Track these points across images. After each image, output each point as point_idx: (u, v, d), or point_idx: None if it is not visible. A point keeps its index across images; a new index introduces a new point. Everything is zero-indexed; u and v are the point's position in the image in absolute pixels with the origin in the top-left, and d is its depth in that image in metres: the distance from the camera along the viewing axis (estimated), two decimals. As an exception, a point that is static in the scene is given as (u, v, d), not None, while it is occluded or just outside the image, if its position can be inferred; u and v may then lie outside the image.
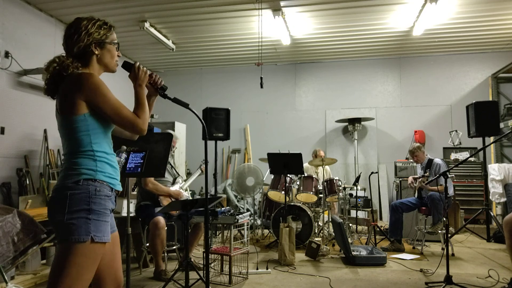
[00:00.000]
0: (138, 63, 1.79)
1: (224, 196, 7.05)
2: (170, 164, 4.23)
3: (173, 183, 4.12)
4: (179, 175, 4.27)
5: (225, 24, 6.29)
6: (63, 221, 1.54)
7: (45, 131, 5.56)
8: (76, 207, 1.55)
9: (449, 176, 3.89)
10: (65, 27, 1.73)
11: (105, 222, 1.62)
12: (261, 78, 6.04)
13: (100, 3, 5.39)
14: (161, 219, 3.61)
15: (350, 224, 5.39)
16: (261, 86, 6.07)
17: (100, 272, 1.68)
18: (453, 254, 4.52)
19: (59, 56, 1.69)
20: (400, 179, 5.81)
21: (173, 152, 4.32)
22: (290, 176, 5.28)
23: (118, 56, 1.81)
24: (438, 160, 4.90)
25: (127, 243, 2.95)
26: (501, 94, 7.48)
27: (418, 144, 5.13)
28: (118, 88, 6.90)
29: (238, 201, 7.14)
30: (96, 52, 1.71)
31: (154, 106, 1.99)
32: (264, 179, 5.97)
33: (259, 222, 5.84)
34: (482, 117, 5.38)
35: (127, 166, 2.80)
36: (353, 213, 5.92)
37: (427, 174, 4.80)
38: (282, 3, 5.48)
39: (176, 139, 4.20)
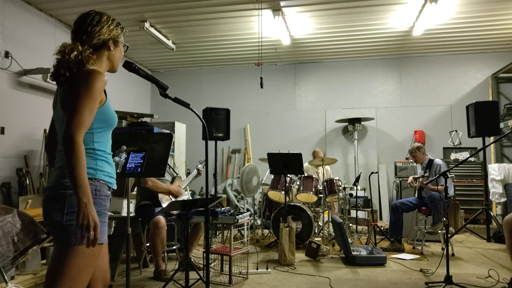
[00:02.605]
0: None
1: (224, 196, 7.05)
2: (168, 164, 4.23)
3: (172, 182, 4.12)
4: (177, 174, 4.27)
5: (225, 24, 6.29)
6: (61, 222, 1.52)
7: (45, 131, 5.56)
8: (76, 208, 1.51)
9: (449, 176, 3.89)
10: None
11: (104, 223, 1.60)
12: (261, 78, 6.04)
13: (100, 3, 5.39)
14: (161, 219, 3.62)
15: (350, 224, 5.39)
16: (261, 86, 6.07)
17: None
18: (453, 254, 4.53)
19: (77, 44, 1.62)
20: (400, 179, 5.80)
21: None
22: (290, 176, 5.28)
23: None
24: (438, 161, 4.90)
25: (127, 243, 2.95)
26: (501, 94, 7.48)
27: (418, 144, 5.12)
28: (114, 86, 6.93)
29: (238, 201, 7.14)
30: (111, 48, 1.71)
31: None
32: (264, 179, 5.97)
33: (259, 222, 5.84)
34: (482, 117, 5.38)
35: (127, 166, 2.80)
36: (353, 213, 5.92)
37: (427, 174, 4.80)
38: (282, 3, 5.48)
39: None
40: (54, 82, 1.64)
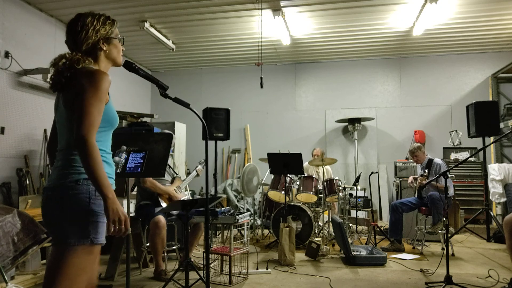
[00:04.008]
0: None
1: (224, 196, 7.05)
2: (168, 165, 4.23)
3: (172, 182, 4.12)
4: (177, 174, 4.27)
5: (225, 24, 6.29)
6: (61, 223, 1.53)
7: (45, 131, 5.56)
8: (76, 209, 1.53)
9: (449, 176, 3.89)
10: (65, 26, 1.71)
11: (103, 223, 1.60)
12: (261, 78, 6.04)
13: (100, 3, 5.39)
14: (161, 218, 3.62)
15: (350, 224, 5.39)
16: (261, 86, 6.07)
17: None
18: (453, 254, 4.53)
19: (67, 52, 1.66)
20: (400, 179, 5.81)
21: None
22: (290, 176, 5.28)
23: (122, 50, 1.80)
24: (438, 160, 4.90)
25: (127, 243, 2.95)
26: (501, 94, 7.48)
27: (418, 144, 5.13)
28: (113, 86, 6.93)
29: (238, 201, 7.14)
30: (105, 48, 1.70)
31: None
32: (264, 179, 5.97)
33: (259, 222, 5.84)
34: (482, 117, 5.38)
35: (127, 166, 2.80)
36: (353, 213, 5.92)
37: (425, 173, 4.80)
38: (282, 3, 5.48)
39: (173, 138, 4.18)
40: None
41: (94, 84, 1.54)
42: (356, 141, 7.64)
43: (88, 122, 1.49)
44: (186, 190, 4.24)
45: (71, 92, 1.59)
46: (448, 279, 3.26)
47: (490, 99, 7.32)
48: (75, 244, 1.51)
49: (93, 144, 1.48)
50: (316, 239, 4.70)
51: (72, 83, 1.59)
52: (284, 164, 4.64)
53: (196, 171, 4.41)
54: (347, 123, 7.80)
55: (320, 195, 5.26)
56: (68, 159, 1.58)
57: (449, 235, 3.54)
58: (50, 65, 1.66)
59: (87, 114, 1.50)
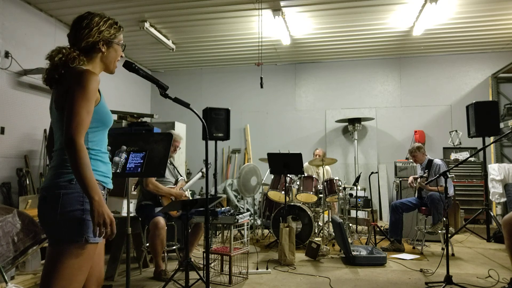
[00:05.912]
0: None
1: (224, 196, 7.05)
2: (173, 165, 4.23)
3: (175, 183, 4.11)
4: (181, 176, 4.26)
5: (225, 24, 6.29)
6: (55, 222, 1.53)
7: (45, 131, 5.56)
8: (70, 208, 1.52)
9: (449, 176, 3.89)
10: (66, 26, 1.71)
11: None
12: (261, 78, 6.04)
13: (100, 3, 5.39)
14: (161, 220, 3.61)
15: (350, 224, 5.39)
16: (261, 86, 6.07)
17: None
18: (453, 254, 4.53)
19: (65, 47, 1.66)
20: (400, 179, 5.80)
21: (174, 154, 4.27)
22: (290, 176, 5.28)
23: (121, 57, 1.80)
24: (438, 161, 4.90)
25: (127, 243, 2.94)
26: (501, 94, 7.48)
27: (418, 144, 5.12)
28: (113, 86, 6.93)
29: (238, 201, 7.14)
30: (103, 50, 1.70)
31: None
32: (264, 179, 5.97)
33: (259, 222, 5.84)
34: (482, 117, 5.38)
35: (127, 166, 2.79)
36: (353, 213, 5.92)
37: (425, 174, 4.80)
38: (282, 3, 5.48)
39: (179, 139, 4.18)
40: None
41: (82, 84, 1.54)
42: (356, 141, 7.64)
43: (76, 123, 1.50)
44: (186, 190, 4.23)
45: (61, 90, 1.60)
46: (448, 279, 3.26)
47: (490, 99, 7.32)
48: (69, 244, 1.51)
49: (80, 145, 1.48)
50: (316, 239, 4.70)
51: (63, 79, 1.61)
52: (284, 164, 4.64)
53: (202, 172, 4.38)
54: (347, 123, 7.80)
55: (320, 195, 5.26)
56: (62, 159, 1.59)
57: (449, 235, 3.54)
58: (46, 57, 1.65)
59: (75, 115, 1.51)
